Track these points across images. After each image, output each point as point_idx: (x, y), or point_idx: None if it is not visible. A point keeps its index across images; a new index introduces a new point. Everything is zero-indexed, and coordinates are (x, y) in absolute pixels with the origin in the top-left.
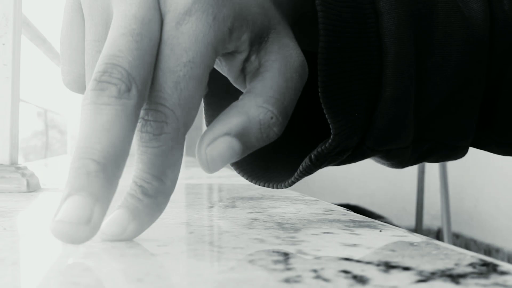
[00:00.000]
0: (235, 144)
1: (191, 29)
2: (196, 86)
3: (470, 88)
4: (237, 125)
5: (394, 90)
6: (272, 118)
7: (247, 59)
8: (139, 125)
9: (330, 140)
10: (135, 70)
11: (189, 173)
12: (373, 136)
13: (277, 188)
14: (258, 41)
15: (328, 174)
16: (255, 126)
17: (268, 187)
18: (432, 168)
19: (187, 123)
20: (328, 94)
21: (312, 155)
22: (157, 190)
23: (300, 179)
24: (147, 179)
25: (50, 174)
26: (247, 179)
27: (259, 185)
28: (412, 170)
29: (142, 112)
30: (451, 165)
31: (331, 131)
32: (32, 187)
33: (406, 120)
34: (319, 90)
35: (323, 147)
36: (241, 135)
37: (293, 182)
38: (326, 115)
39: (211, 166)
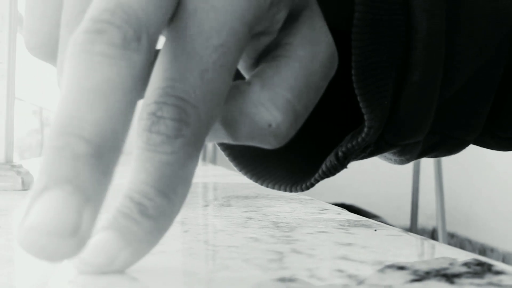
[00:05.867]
0: (221, 130)
1: (226, 2)
2: (225, 77)
3: (489, 75)
4: (227, 110)
5: (422, 74)
6: (270, 125)
7: (271, 42)
8: (147, 122)
9: (363, 135)
10: (148, 15)
11: None
12: (393, 129)
13: (291, 191)
14: (289, 20)
15: None
16: (246, 124)
17: (279, 189)
18: (427, 168)
19: (209, 125)
20: (362, 78)
21: (340, 152)
22: (161, 210)
23: (321, 180)
24: (149, 195)
25: None
26: (250, 178)
27: (266, 186)
28: (407, 170)
29: (152, 106)
30: (446, 165)
31: (366, 123)
32: (27, 185)
33: (430, 110)
34: (353, 73)
35: (353, 143)
36: (229, 124)
37: (312, 185)
38: (361, 105)
39: None
